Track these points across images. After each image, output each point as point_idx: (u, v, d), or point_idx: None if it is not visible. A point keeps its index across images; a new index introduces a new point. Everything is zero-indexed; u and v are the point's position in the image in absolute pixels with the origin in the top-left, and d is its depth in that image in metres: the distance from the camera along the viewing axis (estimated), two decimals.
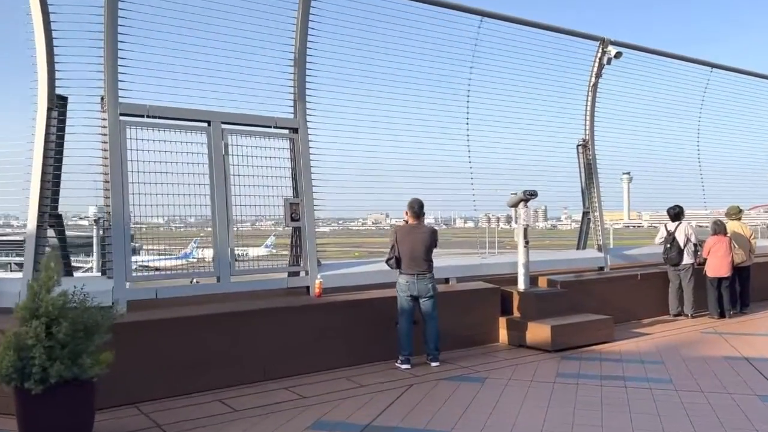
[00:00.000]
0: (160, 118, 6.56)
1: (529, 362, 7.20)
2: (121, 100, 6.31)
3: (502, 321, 8.19)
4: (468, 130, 9.15)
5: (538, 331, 7.75)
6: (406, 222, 7.20)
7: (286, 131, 7.34)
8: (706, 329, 9.10)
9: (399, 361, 6.89)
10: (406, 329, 6.92)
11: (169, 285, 6.59)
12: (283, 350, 6.51)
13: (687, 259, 9.84)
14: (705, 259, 10.10)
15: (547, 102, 10.16)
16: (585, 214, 10.37)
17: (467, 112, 9.14)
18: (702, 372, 6.66)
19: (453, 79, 9.13)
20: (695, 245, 9.94)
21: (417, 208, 7.03)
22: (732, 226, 10.48)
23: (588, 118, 10.25)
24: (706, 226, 12.78)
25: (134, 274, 6.38)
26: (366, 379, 6.44)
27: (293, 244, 7.43)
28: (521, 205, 8.62)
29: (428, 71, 8.79)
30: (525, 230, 8.57)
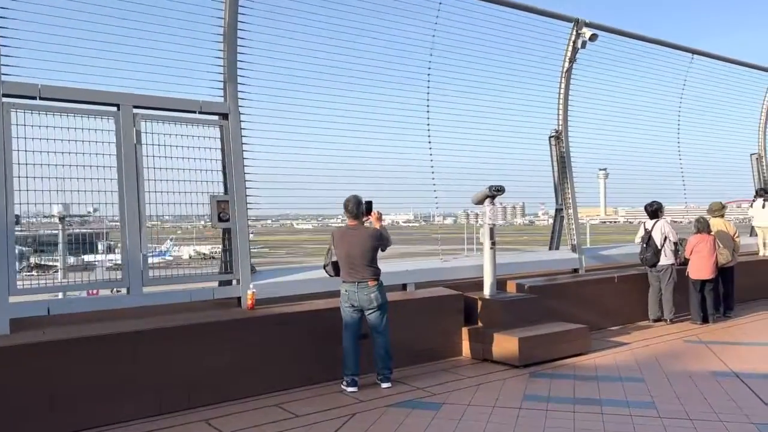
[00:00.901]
0: (56, 100, 5.54)
1: (493, 381, 6.32)
2: (4, 77, 5.28)
3: (466, 332, 7.31)
4: (428, 120, 8.25)
5: (505, 344, 6.88)
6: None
7: (213, 117, 6.35)
8: (689, 337, 8.31)
9: (344, 383, 5.98)
10: (349, 345, 6.01)
11: (67, 298, 5.58)
12: (206, 375, 5.55)
13: (665, 260, 9.05)
14: (687, 260, 9.34)
15: (518, 90, 9.30)
16: (558, 211, 9.54)
17: (427, 101, 8.24)
18: (688, 393, 5.83)
19: (411, 62, 8.22)
20: (675, 244, 9.16)
21: (352, 207, 6.08)
22: (715, 223, 9.73)
23: (561, 107, 9.41)
24: (684, 223, 12.12)
25: (21, 286, 5.31)
26: (302, 407, 5.50)
27: (224, 248, 6.45)
28: (487, 201, 7.75)
29: (384, 52, 7.86)
30: (491, 230, 7.71)
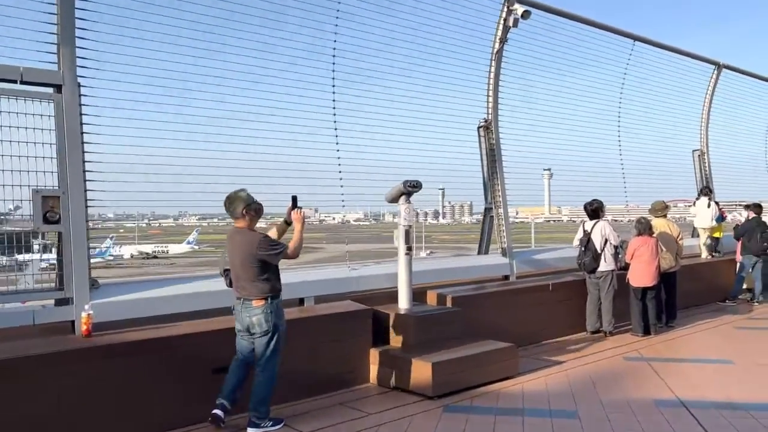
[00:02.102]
0: None
1: (399, 419, 5.16)
2: None
3: (375, 354, 6.15)
4: (335, 106, 7.04)
5: (418, 370, 5.74)
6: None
7: (43, 89, 4.96)
8: (629, 353, 7.38)
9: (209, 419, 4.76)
10: (231, 369, 4.98)
11: None
12: (20, 425, 4.20)
13: (605, 266, 8.12)
14: (628, 265, 8.45)
15: (444, 74, 8.16)
16: (487, 210, 8.48)
17: (333, 85, 7.02)
18: (626, 430, 4.83)
19: (314, 45, 6.96)
20: (616, 248, 8.24)
21: (228, 205, 4.86)
22: (658, 224, 8.87)
23: (491, 93, 8.35)
24: (624, 222, 11.32)
25: None
26: None
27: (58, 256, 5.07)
28: (402, 200, 6.62)
29: (282, 28, 6.58)
30: (407, 232, 6.57)
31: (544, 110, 9.30)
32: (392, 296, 6.68)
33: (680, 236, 9.02)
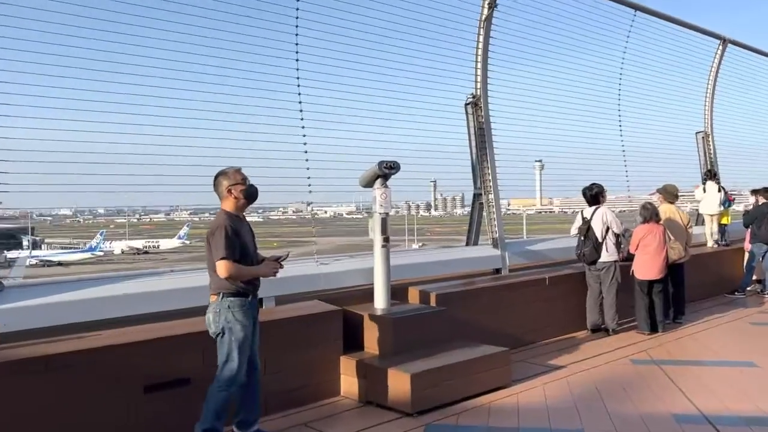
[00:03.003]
0: None
1: None
2: None
3: (346, 363, 5.30)
4: (299, 85, 6.15)
5: (395, 382, 4.89)
6: None
7: None
8: (636, 354, 6.56)
9: None
10: None
11: None
12: None
13: (606, 256, 7.28)
14: (632, 255, 7.62)
15: (427, 44, 7.28)
16: (476, 196, 7.62)
17: (297, 59, 6.12)
18: None
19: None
20: (618, 236, 7.41)
21: (214, 182, 4.24)
22: (666, 210, 8.05)
23: (479, 65, 7.47)
24: (626, 212, 10.48)
25: None
26: None
27: None
28: (377, 183, 5.74)
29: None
30: (383, 221, 5.70)
31: (537, 89, 8.44)
32: (368, 295, 5.82)
33: (690, 224, 8.21)
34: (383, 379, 4.94)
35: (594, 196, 7.38)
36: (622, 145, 9.76)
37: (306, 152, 6.12)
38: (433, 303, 6.14)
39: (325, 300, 5.64)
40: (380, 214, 5.69)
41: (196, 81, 5.58)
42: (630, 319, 7.69)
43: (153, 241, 61.98)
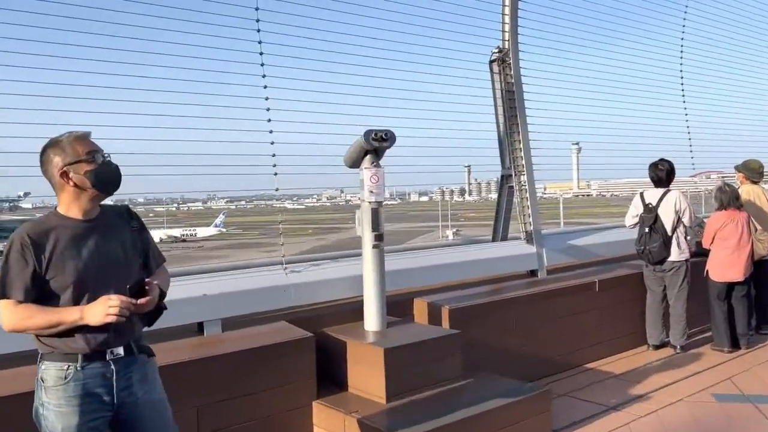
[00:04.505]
0: None
1: None
2: None
3: (321, 412, 3.81)
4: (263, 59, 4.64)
5: None
6: None
7: None
8: (719, 385, 4.91)
9: None
10: None
11: None
12: None
13: (677, 254, 5.64)
14: (703, 251, 5.96)
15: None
16: (505, 179, 6.02)
17: (259, 42, 4.61)
18: None
19: None
20: (687, 228, 5.76)
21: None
22: (749, 192, 6.34)
23: (507, 9, 5.83)
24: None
25: None
26: None
27: None
28: (366, 161, 4.22)
29: None
30: (376, 213, 4.18)
31: (577, 43, 6.78)
32: (357, 311, 4.32)
33: None
34: None
35: (668, 173, 5.70)
36: (686, 115, 7.99)
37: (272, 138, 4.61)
38: (445, 321, 4.60)
39: (297, 321, 4.16)
40: (370, 203, 4.17)
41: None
42: (699, 329, 6.08)
43: (190, 230, 62.79)
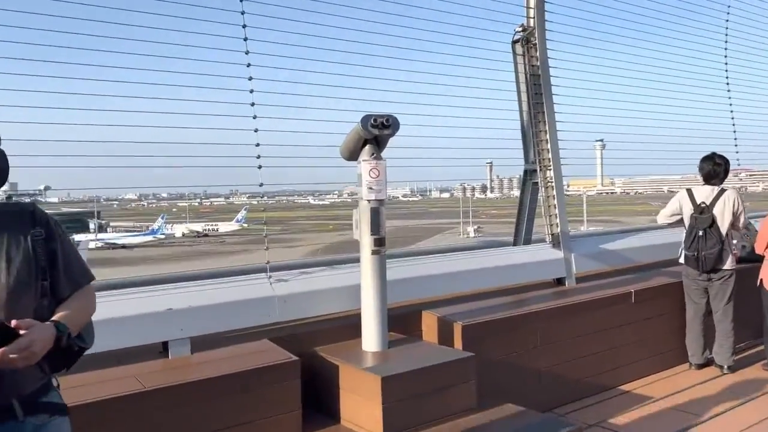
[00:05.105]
0: None
1: None
2: None
3: None
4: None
5: None
6: None
7: None
8: None
9: None
10: None
11: None
12: None
13: (730, 262, 4.92)
14: (758, 257, 5.22)
15: None
16: (529, 174, 5.33)
17: (244, 25, 3.97)
18: None
19: None
20: (734, 232, 5.05)
21: None
22: None
23: None
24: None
25: None
26: None
27: None
28: (365, 153, 3.58)
29: None
30: (376, 213, 3.54)
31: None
32: (355, 326, 3.69)
33: None
34: None
35: (725, 170, 4.98)
36: (731, 106, 7.20)
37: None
38: (458, 339, 3.95)
39: (283, 339, 3.53)
40: (369, 201, 3.53)
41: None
42: (745, 345, 5.37)
43: (212, 225, 63.39)
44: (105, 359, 3.06)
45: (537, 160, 5.19)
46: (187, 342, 3.29)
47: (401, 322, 4.02)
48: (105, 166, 3.71)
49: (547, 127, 5.13)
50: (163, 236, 56.51)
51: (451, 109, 5.00)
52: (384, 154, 3.59)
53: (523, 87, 5.17)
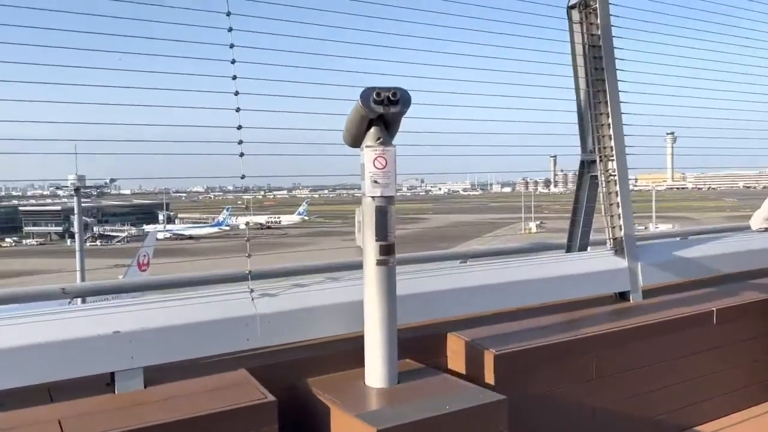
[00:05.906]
0: None
1: None
2: None
3: None
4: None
5: None
6: None
7: None
8: None
9: None
10: None
11: None
12: None
13: None
14: None
15: None
16: (586, 166, 4.43)
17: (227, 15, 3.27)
18: None
19: None
20: None
21: None
22: None
23: None
24: None
25: None
26: None
27: None
28: (369, 137, 2.82)
29: None
30: (383, 213, 2.78)
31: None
32: (358, 352, 2.94)
33: None
34: None
35: None
36: None
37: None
38: (489, 370, 3.14)
39: (267, 369, 2.83)
40: (374, 198, 2.78)
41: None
42: None
43: (275, 217, 65.27)
44: (33, 395, 2.44)
45: (596, 149, 4.30)
46: (139, 373, 2.62)
47: (421, 346, 3.27)
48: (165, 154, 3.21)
49: (609, 109, 4.23)
50: (227, 228, 58.44)
51: (502, 87, 4.19)
52: (432, 141, 2.84)
53: (579, 61, 4.28)
